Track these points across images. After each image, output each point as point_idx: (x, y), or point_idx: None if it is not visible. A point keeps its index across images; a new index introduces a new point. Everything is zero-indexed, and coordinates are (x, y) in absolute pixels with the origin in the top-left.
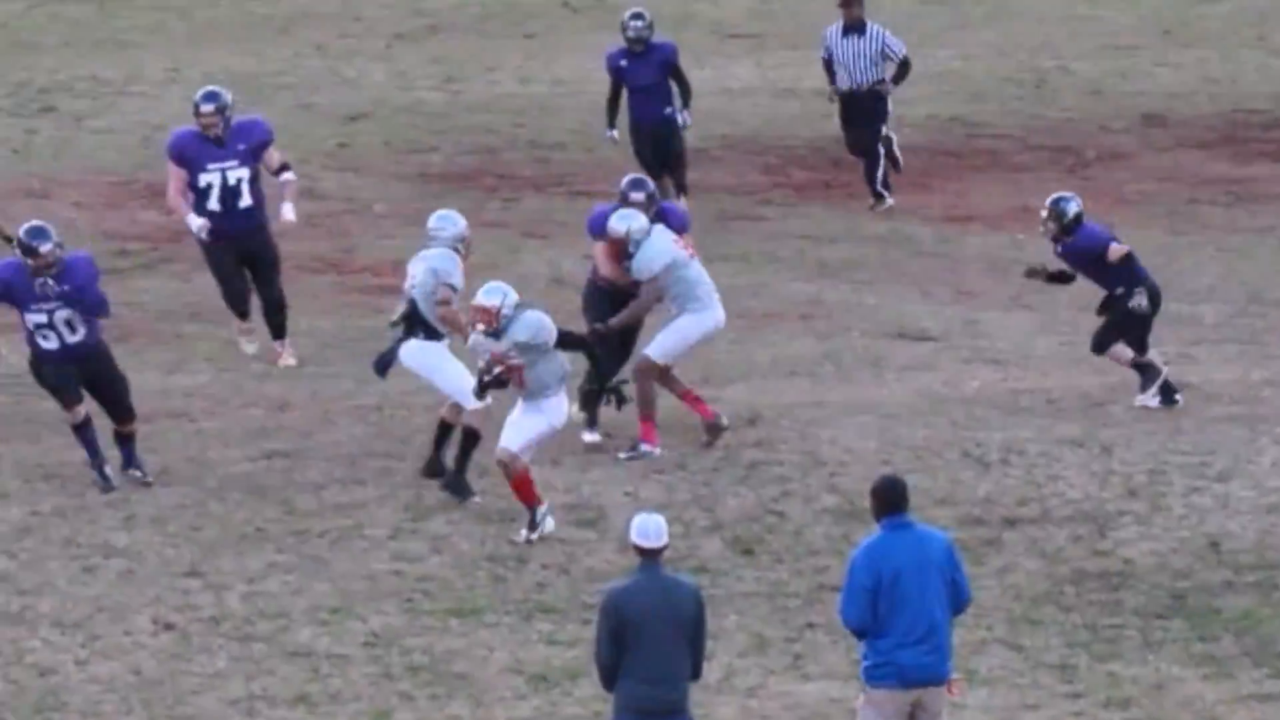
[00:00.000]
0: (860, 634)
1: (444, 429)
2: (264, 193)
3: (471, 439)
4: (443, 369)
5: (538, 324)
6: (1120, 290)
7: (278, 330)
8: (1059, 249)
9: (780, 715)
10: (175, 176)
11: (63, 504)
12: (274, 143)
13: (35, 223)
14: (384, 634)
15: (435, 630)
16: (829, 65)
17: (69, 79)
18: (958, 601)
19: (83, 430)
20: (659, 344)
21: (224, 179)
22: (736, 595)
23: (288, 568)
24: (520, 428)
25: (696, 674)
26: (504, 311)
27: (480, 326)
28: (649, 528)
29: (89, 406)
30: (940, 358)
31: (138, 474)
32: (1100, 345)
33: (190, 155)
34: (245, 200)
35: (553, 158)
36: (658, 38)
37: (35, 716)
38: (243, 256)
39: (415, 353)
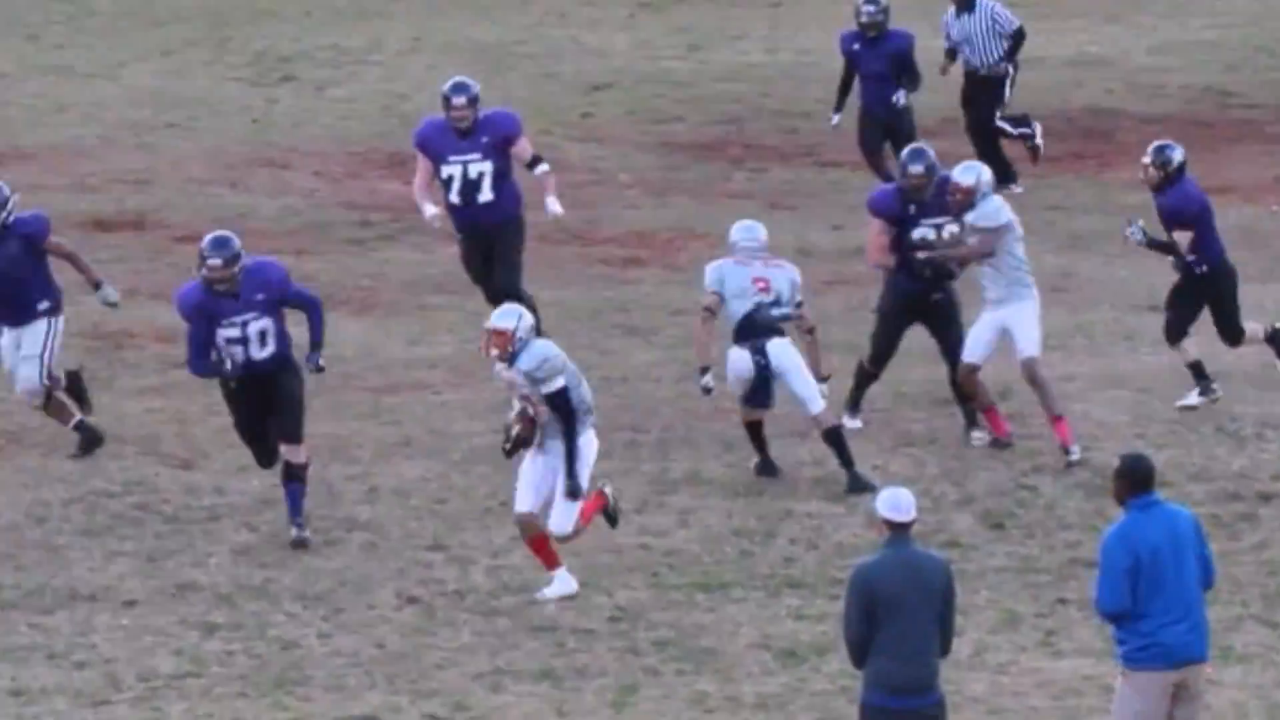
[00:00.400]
0: (1117, 619)
1: (756, 429)
2: (516, 188)
3: (836, 434)
4: (801, 371)
5: (543, 352)
6: (1191, 259)
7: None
8: (1158, 201)
9: (1032, 692)
10: (421, 168)
11: None
12: (523, 134)
13: (219, 232)
14: (630, 608)
15: (682, 605)
16: (951, 52)
17: (310, 48)
18: (1208, 578)
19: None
20: (1030, 340)
21: (465, 171)
22: (987, 570)
23: None
24: (535, 486)
25: (945, 650)
26: (518, 335)
27: (494, 353)
28: (900, 501)
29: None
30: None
31: (295, 532)
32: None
33: (434, 147)
34: (486, 195)
35: (800, 127)
36: (895, 25)
37: (277, 690)
38: (487, 252)
39: (784, 351)
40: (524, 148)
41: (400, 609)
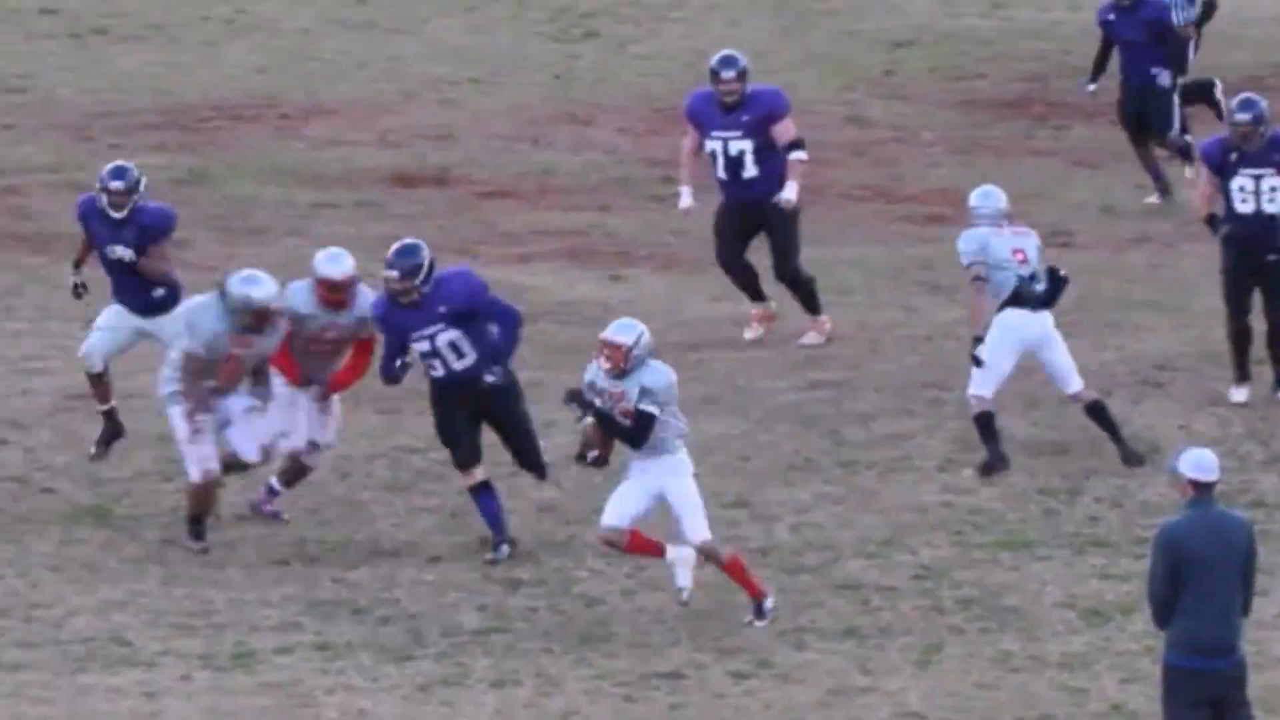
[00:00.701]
0: None
1: (989, 421)
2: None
3: (1099, 408)
4: (1062, 345)
5: (669, 377)
6: None
7: (805, 303)
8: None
9: None
10: (690, 137)
11: None
12: (787, 116)
13: (407, 241)
14: (934, 566)
15: (985, 563)
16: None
17: (612, 3)
18: None
19: (479, 494)
20: None
21: (725, 148)
22: None
23: (836, 499)
24: (626, 505)
25: (1247, 610)
26: (634, 351)
27: (606, 365)
28: (1204, 461)
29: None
30: None
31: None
32: None
33: (700, 119)
34: (750, 170)
35: (1102, 85)
36: None
37: (581, 646)
38: (750, 229)
39: (1049, 324)
40: (785, 129)
41: (703, 566)
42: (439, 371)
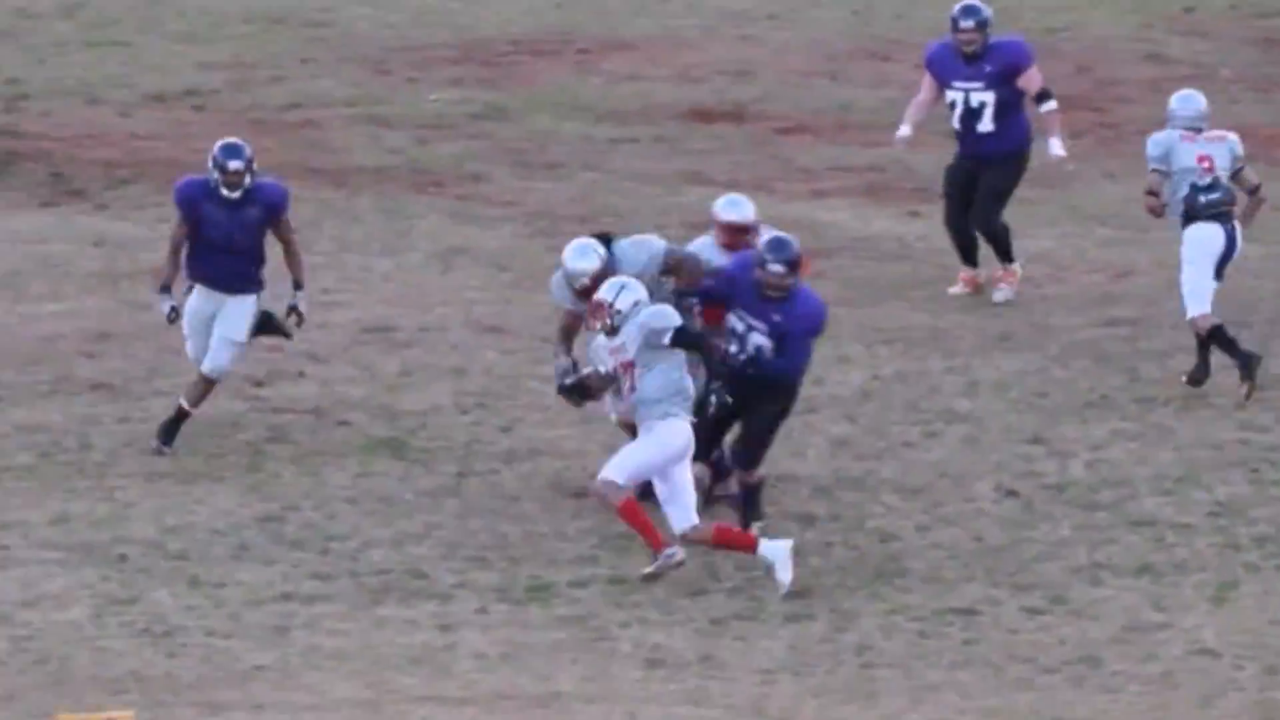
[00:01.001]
0: None
1: (1219, 330)
2: (1023, 123)
3: (1216, 335)
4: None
5: (660, 309)
6: None
7: (998, 251)
8: None
9: None
10: (924, 86)
11: (904, 368)
12: (1032, 65)
13: (776, 233)
14: (1229, 504)
15: None
16: None
17: None
18: None
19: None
20: None
21: (966, 99)
22: None
23: (1132, 435)
24: (626, 455)
25: None
26: (617, 306)
27: (595, 324)
28: None
29: None
30: None
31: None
32: None
33: (939, 69)
34: (986, 125)
35: None
36: None
37: (875, 581)
38: (973, 184)
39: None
40: (1031, 79)
41: (999, 502)
42: (739, 354)
